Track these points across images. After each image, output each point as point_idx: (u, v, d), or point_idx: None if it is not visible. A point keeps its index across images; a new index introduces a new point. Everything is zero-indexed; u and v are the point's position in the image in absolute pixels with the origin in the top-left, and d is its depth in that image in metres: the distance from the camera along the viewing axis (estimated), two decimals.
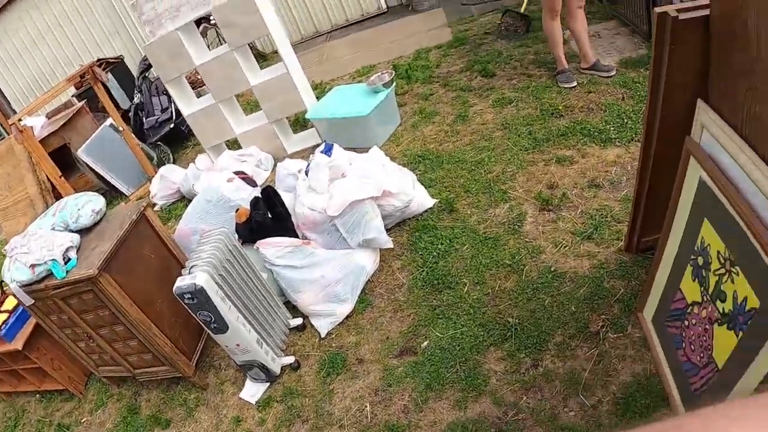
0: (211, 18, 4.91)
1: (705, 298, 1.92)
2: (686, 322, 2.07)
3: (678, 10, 1.86)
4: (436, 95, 5.23)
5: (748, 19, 1.58)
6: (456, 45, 6.24)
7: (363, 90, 4.92)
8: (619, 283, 2.75)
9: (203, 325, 2.78)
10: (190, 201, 4.18)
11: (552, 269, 2.96)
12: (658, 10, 1.89)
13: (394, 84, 4.92)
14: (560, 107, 4.24)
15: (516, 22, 5.91)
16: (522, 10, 5.74)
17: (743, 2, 1.58)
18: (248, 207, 3.44)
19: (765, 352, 1.56)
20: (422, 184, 3.85)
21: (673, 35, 1.90)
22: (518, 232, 3.29)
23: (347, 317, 3.21)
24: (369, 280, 3.36)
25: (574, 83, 4.50)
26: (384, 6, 8.67)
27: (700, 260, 1.94)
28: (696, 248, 1.97)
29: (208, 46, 6.85)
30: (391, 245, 3.41)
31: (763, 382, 1.58)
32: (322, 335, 3.16)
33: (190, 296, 2.63)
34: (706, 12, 1.84)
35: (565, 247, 3.07)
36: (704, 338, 1.93)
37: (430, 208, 3.70)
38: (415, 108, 5.12)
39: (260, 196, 3.48)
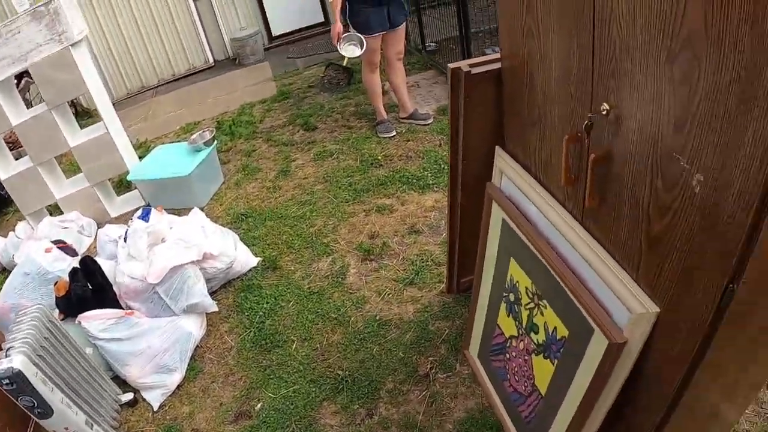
0: None
1: (520, 332, 2.03)
2: (507, 355, 2.17)
3: (471, 65, 1.99)
4: (259, 151, 5.19)
5: (534, 73, 1.72)
6: (280, 99, 6.28)
7: (184, 149, 4.77)
8: (443, 324, 2.84)
9: (27, 411, 2.53)
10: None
11: (377, 318, 3.00)
12: (451, 65, 2.01)
13: (216, 142, 4.83)
14: (380, 157, 4.38)
15: (338, 74, 6.09)
16: (344, 63, 5.92)
17: (529, 58, 1.73)
18: (67, 279, 3.20)
19: (580, 376, 1.67)
20: (245, 243, 3.76)
21: (467, 89, 2.02)
22: (342, 285, 3.30)
23: (179, 387, 3.02)
24: (198, 345, 3.20)
25: (393, 133, 4.68)
26: (211, 60, 8.57)
27: (512, 297, 2.05)
28: (506, 286, 2.08)
29: (30, 102, 6.31)
30: (216, 308, 3.30)
31: (582, 405, 1.68)
32: (155, 408, 2.95)
33: (8, 381, 2.40)
34: (498, 65, 1.99)
35: (388, 294, 3.12)
36: (525, 369, 2.03)
37: (255, 267, 3.62)
38: (238, 165, 5.04)
39: (79, 266, 3.25)
